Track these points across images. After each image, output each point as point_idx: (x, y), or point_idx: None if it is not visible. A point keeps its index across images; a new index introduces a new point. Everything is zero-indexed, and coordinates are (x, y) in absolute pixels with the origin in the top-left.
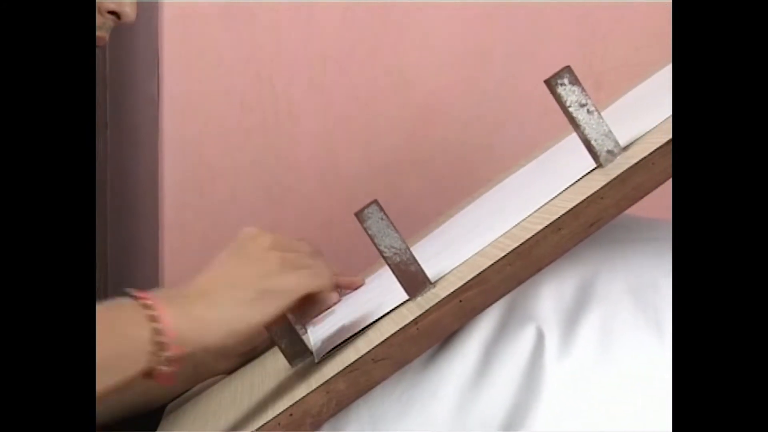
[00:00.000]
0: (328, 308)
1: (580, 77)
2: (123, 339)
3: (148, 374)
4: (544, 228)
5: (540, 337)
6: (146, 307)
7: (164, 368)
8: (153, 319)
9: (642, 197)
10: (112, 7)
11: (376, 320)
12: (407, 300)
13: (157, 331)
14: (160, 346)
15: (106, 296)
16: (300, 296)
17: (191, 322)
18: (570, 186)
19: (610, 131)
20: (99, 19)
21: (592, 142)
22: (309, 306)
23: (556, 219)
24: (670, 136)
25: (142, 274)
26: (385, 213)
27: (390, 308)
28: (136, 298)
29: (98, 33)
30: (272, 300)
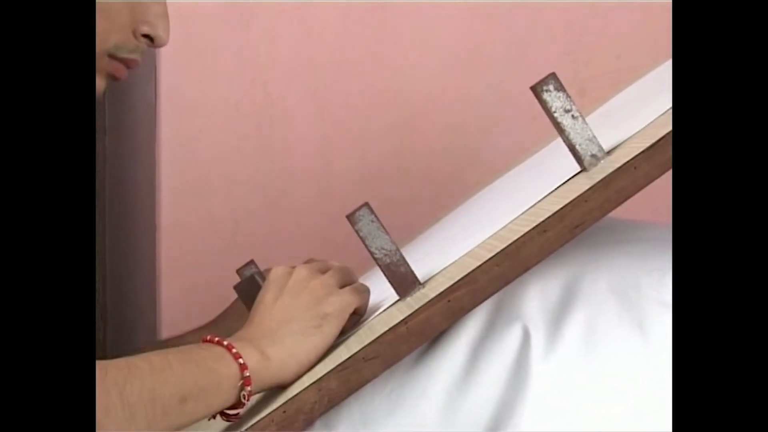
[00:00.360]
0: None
1: (565, 84)
2: (211, 373)
3: (221, 412)
4: (530, 230)
5: (526, 337)
6: (226, 347)
7: (245, 403)
8: (237, 356)
9: (625, 200)
10: (146, 30)
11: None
12: (398, 300)
13: (243, 367)
14: (247, 381)
15: (104, 300)
16: (350, 313)
17: (266, 361)
18: (555, 189)
19: (594, 136)
20: (133, 42)
21: (577, 147)
22: (348, 321)
23: (542, 221)
24: (652, 140)
25: (139, 277)
26: (375, 215)
27: (384, 309)
28: (210, 341)
29: (132, 56)
30: (330, 323)
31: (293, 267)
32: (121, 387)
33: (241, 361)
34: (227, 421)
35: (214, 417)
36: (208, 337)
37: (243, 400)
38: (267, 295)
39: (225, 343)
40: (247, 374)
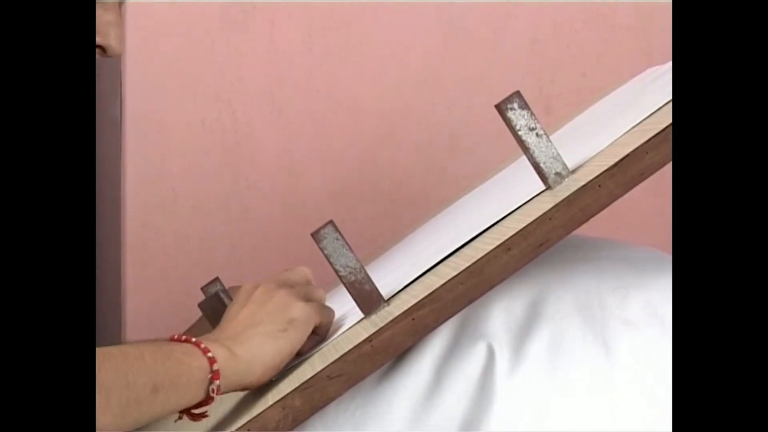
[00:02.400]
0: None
1: (530, 101)
2: (182, 365)
3: (187, 411)
4: (494, 248)
5: (491, 354)
6: (194, 343)
7: (213, 398)
8: (206, 351)
9: (589, 218)
10: (98, 41)
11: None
12: (362, 318)
13: (212, 360)
14: (215, 375)
15: None
16: (315, 323)
17: (233, 359)
18: (519, 207)
19: (558, 154)
20: None
21: (541, 165)
22: (309, 340)
23: (506, 239)
24: (616, 159)
25: (105, 295)
26: (340, 233)
27: (348, 327)
28: (178, 339)
29: None
30: (296, 328)
31: (270, 279)
32: (97, 370)
33: (209, 355)
34: (193, 420)
35: (180, 417)
36: (176, 336)
37: (212, 394)
38: (235, 305)
39: (193, 340)
40: (216, 368)
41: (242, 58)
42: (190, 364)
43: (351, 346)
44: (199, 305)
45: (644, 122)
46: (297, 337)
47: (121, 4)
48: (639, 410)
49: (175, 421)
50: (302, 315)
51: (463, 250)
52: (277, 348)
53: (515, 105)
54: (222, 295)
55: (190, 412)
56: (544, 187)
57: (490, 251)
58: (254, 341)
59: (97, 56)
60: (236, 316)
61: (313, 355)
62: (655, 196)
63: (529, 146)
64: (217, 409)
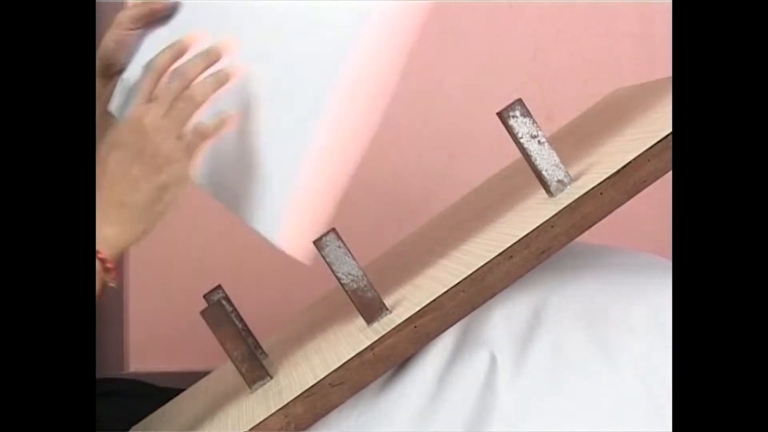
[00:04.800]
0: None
1: (532, 109)
2: None
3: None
4: (496, 256)
5: (493, 362)
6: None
7: (111, 282)
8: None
9: (591, 226)
10: None
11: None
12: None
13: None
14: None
15: None
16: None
17: (109, 243)
18: (521, 215)
19: (560, 162)
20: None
21: (543, 173)
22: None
23: (508, 247)
24: (618, 166)
25: (107, 303)
26: (342, 241)
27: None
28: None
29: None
30: (171, 194)
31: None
32: None
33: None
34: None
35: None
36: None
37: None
38: (103, 147)
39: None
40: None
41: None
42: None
43: (353, 354)
44: (202, 313)
45: (646, 129)
46: (169, 206)
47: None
48: (641, 417)
49: None
50: (175, 177)
51: (464, 257)
52: (151, 217)
53: (517, 112)
54: (224, 303)
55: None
56: (546, 195)
57: (492, 259)
58: (125, 226)
59: None
60: (104, 173)
61: (315, 362)
62: (656, 203)
63: (531, 154)
64: (219, 415)
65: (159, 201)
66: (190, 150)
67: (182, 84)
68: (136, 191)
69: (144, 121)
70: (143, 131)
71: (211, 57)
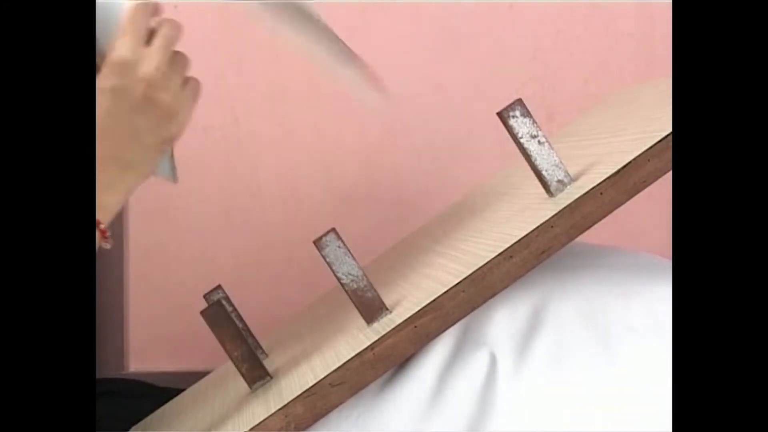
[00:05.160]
0: None
1: (532, 109)
2: None
3: None
4: (496, 255)
5: (493, 362)
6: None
7: (105, 245)
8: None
9: (591, 226)
10: None
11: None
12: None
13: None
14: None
15: None
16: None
17: (107, 210)
18: (521, 215)
19: (560, 162)
20: None
21: (543, 173)
22: None
23: (508, 247)
24: (618, 166)
25: (107, 303)
26: (342, 241)
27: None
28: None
29: None
30: (170, 144)
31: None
32: None
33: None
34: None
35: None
36: None
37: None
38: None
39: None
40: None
41: (244, 64)
42: None
43: (353, 354)
44: (202, 313)
45: (646, 129)
46: (168, 150)
47: None
48: (642, 416)
49: None
50: (181, 127)
51: (464, 257)
52: (143, 180)
53: (517, 112)
54: (224, 303)
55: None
56: (545, 194)
57: (492, 259)
58: (123, 190)
59: None
60: (101, 125)
61: (315, 362)
62: (656, 203)
63: (531, 154)
64: (219, 415)
65: (160, 155)
66: (194, 99)
67: (177, 32)
68: (138, 146)
69: (147, 67)
70: (148, 78)
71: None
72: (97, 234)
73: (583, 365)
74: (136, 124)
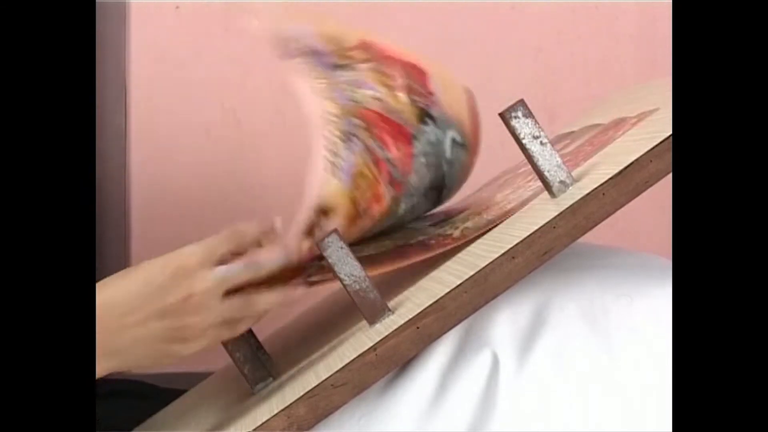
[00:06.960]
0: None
1: (534, 110)
2: None
3: None
4: (498, 256)
5: (495, 362)
6: None
7: None
8: None
9: (593, 226)
10: None
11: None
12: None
13: None
14: None
15: None
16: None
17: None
18: (523, 215)
19: (562, 163)
20: None
21: (545, 173)
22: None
23: (511, 248)
24: (620, 167)
25: None
26: (344, 242)
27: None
28: None
29: None
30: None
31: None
32: None
33: None
34: None
35: None
36: None
37: None
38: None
39: None
40: None
41: (246, 65)
42: None
43: (355, 355)
44: None
45: (648, 130)
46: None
47: None
48: (642, 416)
49: None
50: (187, 353)
51: (466, 258)
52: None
53: (519, 113)
54: None
55: None
56: (548, 195)
57: (494, 260)
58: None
59: None
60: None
61: (317, 363)
62: (656, 204)
63: (533, 155)
64: (221, 416)
65: (151, 363)
66: (215, 342)
67: (246, 278)
68: (137, 342)
69: (197, 285)
70: (190, 293)
71: None
72: None
73: (585, 366)
74: (149, 323)
